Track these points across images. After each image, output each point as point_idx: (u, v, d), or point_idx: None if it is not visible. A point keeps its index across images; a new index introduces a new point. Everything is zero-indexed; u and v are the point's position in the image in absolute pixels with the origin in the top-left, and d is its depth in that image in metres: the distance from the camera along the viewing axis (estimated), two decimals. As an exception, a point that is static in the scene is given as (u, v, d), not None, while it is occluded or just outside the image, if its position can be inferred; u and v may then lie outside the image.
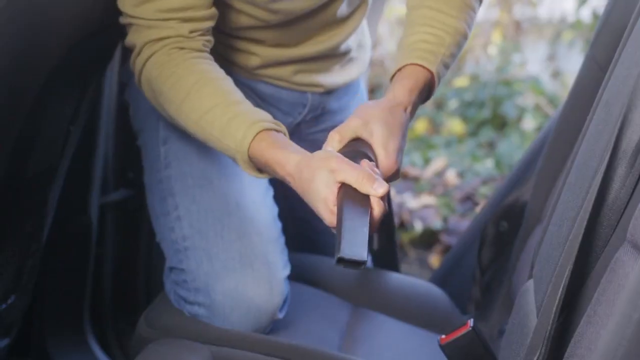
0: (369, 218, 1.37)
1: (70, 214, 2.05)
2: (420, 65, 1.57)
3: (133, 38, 1.61)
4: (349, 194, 1.39)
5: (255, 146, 1.49)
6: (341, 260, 1.28)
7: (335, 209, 1.39)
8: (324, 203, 1.40)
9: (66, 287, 2.12)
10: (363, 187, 1.38)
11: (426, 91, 1.59)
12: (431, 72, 1.58)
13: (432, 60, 1.58)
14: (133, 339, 1.75)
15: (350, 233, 1.32)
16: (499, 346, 1.44)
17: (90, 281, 2.16)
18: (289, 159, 1.46)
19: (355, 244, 1.30)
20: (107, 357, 2.19)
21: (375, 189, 1.38)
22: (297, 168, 1.44)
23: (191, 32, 1.59)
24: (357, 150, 1.47)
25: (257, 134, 1.49)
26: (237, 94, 1.57)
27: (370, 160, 1.46)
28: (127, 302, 2.30)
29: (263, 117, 1.53)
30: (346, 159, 1.41)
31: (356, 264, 1.29)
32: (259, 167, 1.52)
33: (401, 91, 1.55)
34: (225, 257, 1.65)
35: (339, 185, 1.39)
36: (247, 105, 1.55)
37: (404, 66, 1.58)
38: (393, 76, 1.59)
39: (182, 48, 1.59)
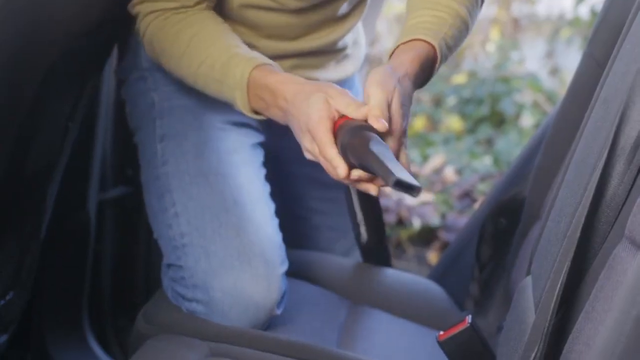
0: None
1: (68, 211, 2.05)
2: (421, 40, 1.57)
3: (137, 8, 1.66)
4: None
5: (255, 74, 1.55)
6: (398, 183, 1.27)
7: (330, 132, 1.44)
8: (317, 113, 1.45)
9: (65, 283, 2.12)
10: (348, 109, 1.45)
11: (428, 66, 1.58)
12: (432, 46, 1.57)
13: (432, 36, 1.58)
14: (131, 335, 1.75)
15: (392, 162, 1.32)
16: (498, 342, 1.45)
17: (88, 278, 2.16)
18: (290, 80, 1.54)
19: (402, 170, 1.30)
20: (106, 354, 2.19)
21: (359, 112, 1.44)
22: (294, 91, 1.51)
23: (196, 3, 1.64)
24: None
25: (257, 66, 1.56)
26: (236, 40, 1.63)
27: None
28: (126, 298, 2.30)
29: (262, 57, 1.59)
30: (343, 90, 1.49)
31: (411, 188, 1.28)
32: (255, 105, 1.57)
33: (399, 62, 1.54)
34: (223, 254, 1.65)
35: (335, 109, 1.46)
36: (246, 48, 1.62)
37: (403, 43, 1.58)
38: (391, 55, 1.59)
39: (184, 12, 1.64)
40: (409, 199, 3.64)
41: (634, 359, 0.84)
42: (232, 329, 1.62)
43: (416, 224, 3.49)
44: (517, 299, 1.36)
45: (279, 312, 1.68)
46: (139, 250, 2.30)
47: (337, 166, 1.43)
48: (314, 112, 1.45)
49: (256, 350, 1.58)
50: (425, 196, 3.67)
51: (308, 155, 1.49)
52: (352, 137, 1.41)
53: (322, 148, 1.44)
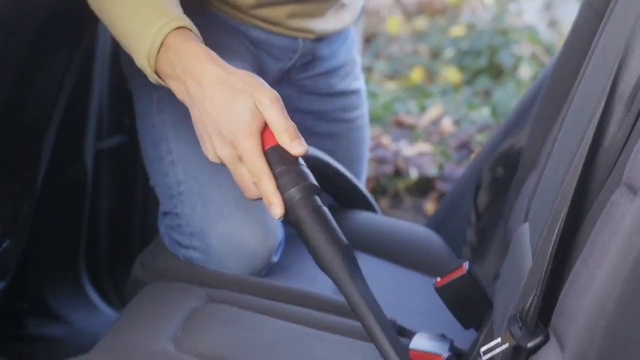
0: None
1: (65, 161, 2.04)
2: None
3: None
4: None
5: (174, 35, 1.38)
6: None
7: (263, 156, 1.31)
8: (247, 126, 1.31)
9: (62, 234, 2.13)
10: (282, 137, 1.31)
11: None
12: None
13: None
14: (128, 283, 1.75)
15: (393, 339, 1.24)
16: (495, 289, 1.45)
17: (85, 228, 2.16)
18: (210, 59, 1.36)
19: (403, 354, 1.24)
20: (104, 301, 2.20)
21: (294, 146, 1.31)
22: (213, 80, 1.35)
23: None
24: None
25: (181, 27, 1.39)
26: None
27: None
28: (123, 248, 2.30)
29: (193, 26, 1.42)
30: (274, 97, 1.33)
31: None
32: (161, 67, 1.40)
33: None
34: (219, 202, 1.65)
35: (264, 121, 1.32)
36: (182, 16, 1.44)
37: None
38: None
39: None
40: (406, 149, 3.64)
41: (631, 302, 0.84)
42: (229, 276, 1.63)
43: (413, 174, 3.49)
44: (514, 246, 1.36)
45: (275, 259, 1.68)
46: (136, 201, 2.30)
47: (272, 203, 1.30)
48: (242, 122, 1.31)
49: (253, 296, 1.59)
50: (422, 147, 3.67)
51: (214, 159, 1.37)
52: (309, 221, 1.29)
53: (256, 175, 1.31)
